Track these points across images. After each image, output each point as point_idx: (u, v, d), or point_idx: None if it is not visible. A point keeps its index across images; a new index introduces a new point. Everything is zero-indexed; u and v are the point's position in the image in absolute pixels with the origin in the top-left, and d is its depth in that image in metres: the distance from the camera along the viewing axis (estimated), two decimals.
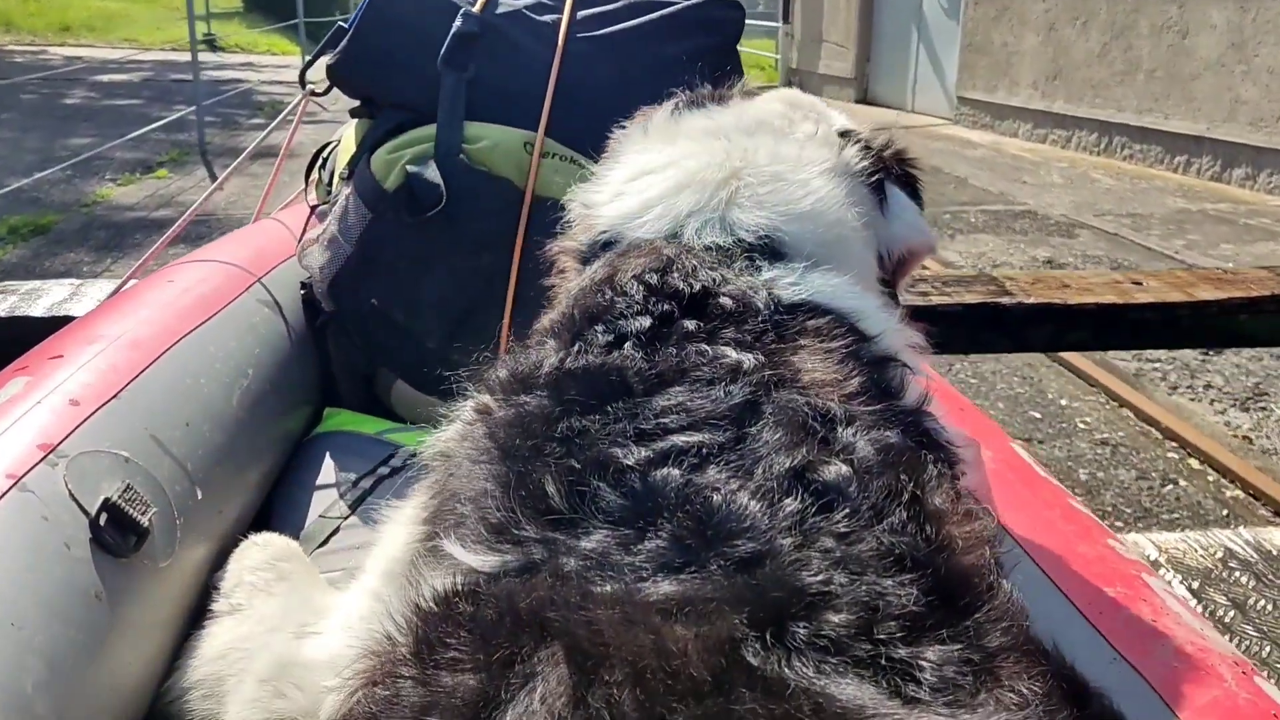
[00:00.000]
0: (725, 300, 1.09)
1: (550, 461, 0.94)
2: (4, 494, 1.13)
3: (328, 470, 1.82)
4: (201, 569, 1.40)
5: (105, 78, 15.24)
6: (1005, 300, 3.19)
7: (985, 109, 13.53)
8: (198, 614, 1.35)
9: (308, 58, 2.22)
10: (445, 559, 0.97)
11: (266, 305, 1.92)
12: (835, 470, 0.91)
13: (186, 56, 20.03)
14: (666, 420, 0.95)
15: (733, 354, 1.01)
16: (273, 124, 3.00)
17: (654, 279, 1.11)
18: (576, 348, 1.04)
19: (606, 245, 1.25)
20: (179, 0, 22.59)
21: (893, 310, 1.30)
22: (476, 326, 1.91)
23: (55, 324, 2.53)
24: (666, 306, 1.07)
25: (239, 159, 2.40)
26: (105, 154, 9.92)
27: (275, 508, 1.75)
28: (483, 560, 0.93)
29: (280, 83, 16.78)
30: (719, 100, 1.44)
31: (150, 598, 1.25)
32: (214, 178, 8.85)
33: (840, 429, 0.96)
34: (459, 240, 1.92)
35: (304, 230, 2.14)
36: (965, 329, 3.20)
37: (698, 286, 1.10)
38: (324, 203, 2.23)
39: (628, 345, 1.03)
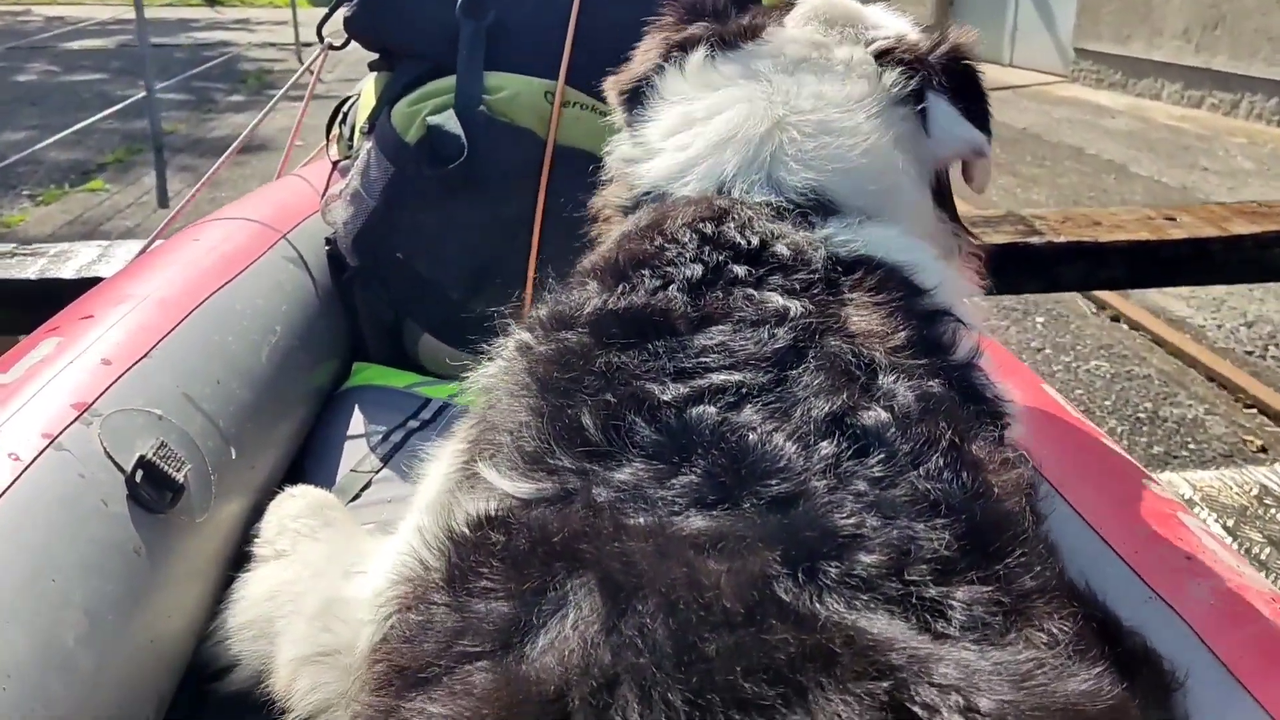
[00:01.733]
0: (781, 249, 1.09)
1: (587, 395, 0.95)
2: (40, 453, 1.14)
3: (357, 424, 1.84)
4: (237, 523, 1.42)
5: (77, 44, 13.96)
6: (1035, 240, 3.14)
7: (1115, 64, 11.07)
8: (234, 567, 1.36)
9: (325, 10, 2.20)
10: (481, 484, 0.98)
11: (292, 261, 1.92)
12: (874, 416, 0.91)
13: (181, 14, 19.50)
14: (707, 359, 0.95)
15: (779, 299, 1.02)
16: (277, 97, 2.95)
17: (709, 228, 1.11)
18: (621, 289, 1.04)
19: (650, 201, 1.25)
20: None
21: (952, 253, 1.30)
22: (500, 277, 1.90)
23: (85, 285, 2.55)
24: (721, 256, 1.07)
25: (231, 149, 2.36)
26: (35, 155, 7.87)
27: (306, 462, 1.76)
28: (517, 486, 0.94)
29: (273, 45, 15.50)
30: (752, 33, 1.38)
31: (187, 552, 1.26)
32: (164, 189, 7.38)
33: (882, 377, 0.96)
34: (481, 191, 1.91)
35: (327, 186, 2.14)
36: (994, 270, 3.16)
37: (754, 240, 1.10)
38: (346, 158, 2.22)
39: (673, 288, 1.03)
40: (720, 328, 0.98)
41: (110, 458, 1.20)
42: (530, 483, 0.94)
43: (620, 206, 1.29)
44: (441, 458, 1.15)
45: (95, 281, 2.56)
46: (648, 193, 1.25)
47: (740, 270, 1.05)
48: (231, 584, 1.32)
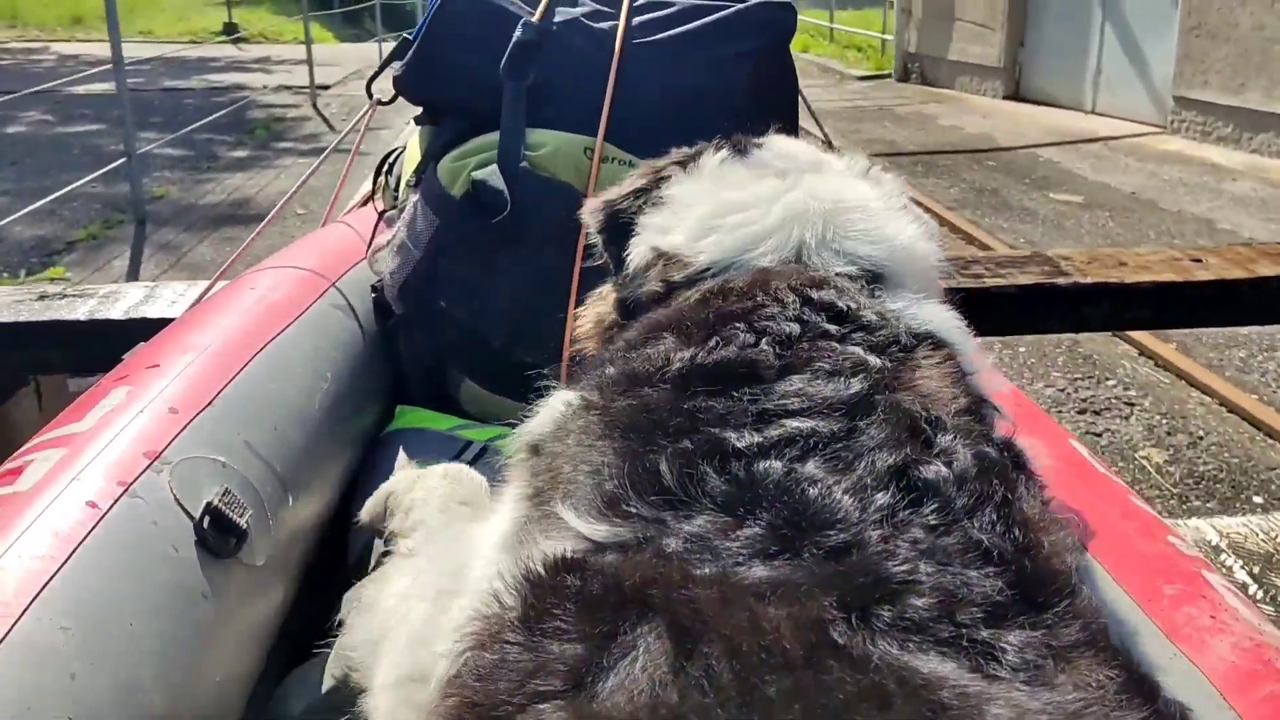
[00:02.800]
0: (869, 315, 1.16)
1: (667, 442, 1.00)
2: (116, 501, 1.19)
3: (402, 465, 1.89)
4: (294, 566, 1.47)
5: (83, 89, 12.33)
6: (1060, 280, 3.18)
7: (1225, 115, 9.66)
8: (291, 610, 1.41)
9: (375, 69, 2.29)
10: (557, 524, 1.02)
11: (340, 309, 1.98)
12: (934, 470, 0.96)
13: (202, 51, 17.96)
14: (786, 403, 1.02)
15: (861, 353, 1.09)
16: (327, 151, 3.02)
17: (810, 292, 1.17)
18: (712, 344, 1.10)
19: (712, 275, 1.29)
20: None
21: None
22: (539, 327, 1.96)
23: (132, 325, 2.64)
24: (818, 316, 1.14)
25: (266, 221, 2.41)
26: None
27: (354, 505, 1.81)
28: (594, 529, 0.99)
29: (289, 89, 14.56)
30: (751, 146, 1.47)
31: (249, 596, 1.31)
32: (135, 273, 6.65)
33: (943, 436, 1.01)
34: (523, 244, 1.97)
35: (373, 234, 2.21)
36: (1020, 310, 3.20)
37: (847, 304, 1.16)
38: (391, 208, 2.29)
39: (764, 342, 1.09)
40: (801, 375, 1.05)
41: (180, 505, 1.25)
42: (606, 526, 0.99)
43: (664, 285, 1.32)
44: (505, 499, 1.19)
45: (142, 322, 2.64)
46: (707, 268, 1.29)
47: (832, 329, 1.12)
48: (286, 627, 1.36)
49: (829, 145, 1.47)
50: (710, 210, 1.36)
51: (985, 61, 13.40)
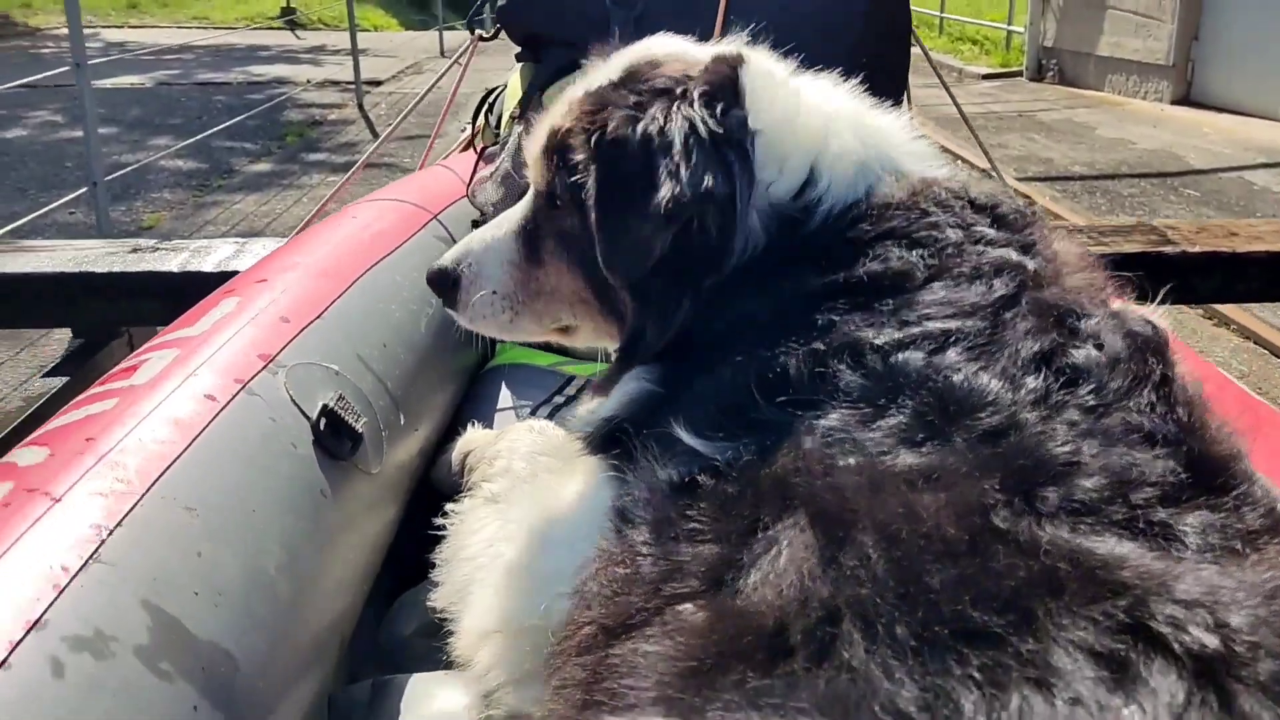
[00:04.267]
0: (1005, 210, 1.13)
1: (796, 345, 0.96)
2: (233, 397, 1.18)
3: (505, 399, 1.87)
4: (404, 480, 1.45)
5: (110, 81, 11.14)
6: (1168, 249, 3.07)
7: None
8: (404, 521, 1.39)
9: (477, 3, 2.26)
10: (675, 445, 0.98)
11: (442, 241, 1.96)
12: (1084, 354, 0.90)
13: (253, 38, 15.99)
14: (929, 310, 0.97)
15: (1012, 254, 1.04)
16: (438, 77, 3.01)
17: (971, 196, 1.13)
18: (861, 261, 1.06)
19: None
20: None
21: None
22: None
23: (223, 278, 2.66)
24: (980, 220, 1.10)
25: (353, 170, 2.38)
26: None
27: (459, 434, 1.79)
28: (713, 446, 0.95)
29: (335, 84, 12.45)
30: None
31: (364, 500, 1.30)
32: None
33: (1090, 321, 0.95)
34: None
35: (474, 171, 2.19)
36: (1124, 279, 3.09)
37: (994, 204, 1.13)
38: (490, 146, 2.27)
39: (915, 253, 1.05)
40: (944, 282, 1.00)
41: (296, 405, 1.24)
42: (728, 440, 0.94)
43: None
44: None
45: (233, 275, 2.67)
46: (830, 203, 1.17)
47: (991, 233, 1.08)
48: (395, 536, 1.34)
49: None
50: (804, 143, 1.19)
51: (1148, 58, 10.87)
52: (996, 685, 0.66)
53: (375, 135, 9.60)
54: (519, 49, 2.24)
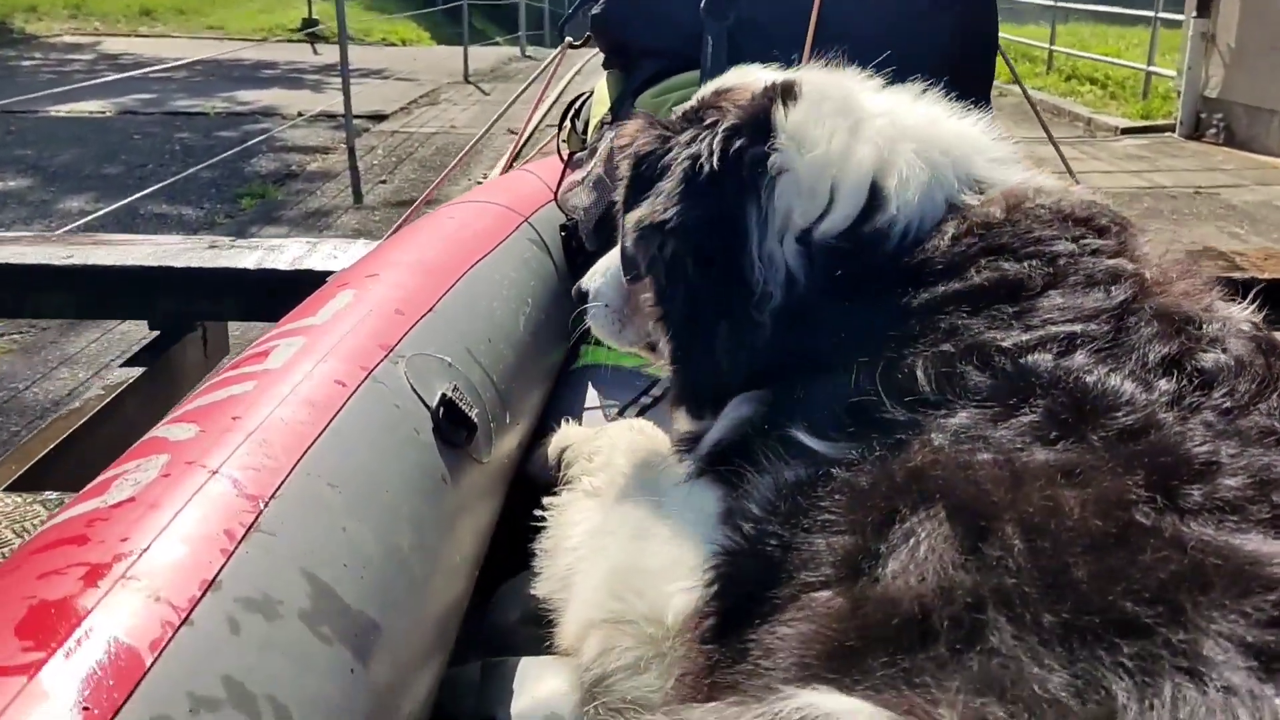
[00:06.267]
0: (1103, 220, 1.14)
1: (923, 348, 0.98)
2: (361, 383, 1.23)
3: (592, 398, 1.90)
4: (508, 471, 1.49)
5: (66, 109, 10.10)
6: (1236, 275, 3.06)
7: None
8: (509, 512, 1.43)
9: (569, 10, 2.31)
10: (797, 446, 1.01)
11: (534, 243, 2.01)
12: (1212, 358, 0.93)
13: (262, 53, 14.01)
14: (1051, 315, 0.99)
15: (1128, 265, 1.06)
16: (528, 82, 3.04)
17: (1070, 208, 1.15)
18: (971, 275, 1.08)
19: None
20: None
21: None
22: None
23: (298, 275, 2.73)
24: (1082, 232, 1.12)
25: (461, 156, 2.37)
26: None
27: (549, 431, 1.83)
28: (838, 447, 0.97)
29: (331, 119, 10.01)
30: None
31: (477, 489, 1.34)
32: None
33: (1211, 326, 0.98)
34: None
35: (561, 177, 2.23)
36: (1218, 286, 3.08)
37: (1095, 218, 1.15)
38: (578, 151, 2.31)
39: (1029, 264, 1.07)
40: (1062, 289, 1.03)
41: (417, 394, 1.28)
42: (850, 441, 0.97)
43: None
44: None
45: (307, 274, 2.73)
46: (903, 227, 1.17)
47: (1099, 243, 1.10)
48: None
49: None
50: (860, 170, 1.18)
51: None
52: (1148, 674, 0.69)
53: (358, 198, 7.88)
54: (605, 57, 2.28)
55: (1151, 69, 11.37)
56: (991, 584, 0.77)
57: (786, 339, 1.17)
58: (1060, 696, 0.69)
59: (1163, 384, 0.90)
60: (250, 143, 8.99)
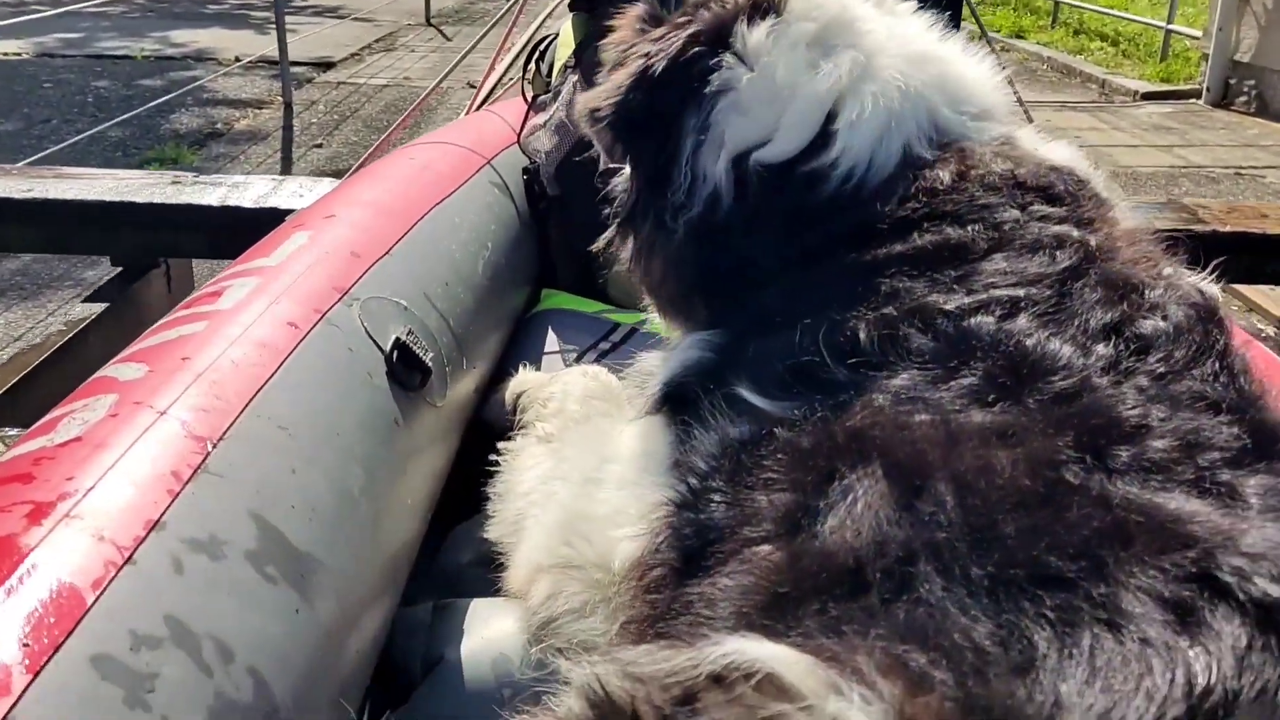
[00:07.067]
0: (1060, 186, 1.13)
1: (865, 310, 0.99)
2: (314, 326, 1.23)
3: (551, 343, 1.91)
4: (463, 415, 1.50)
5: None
6: (1198, 228, 3.09)
7: None
8: (463, 455, 1.44)
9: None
10: (741, 404, 1.02)
11: (496, 186, 2.00)
12: (1151, 324, 0.94)
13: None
14: (994, 279, 1.00)
15: (1074, 232, 1.06)
16: (486, 29, 3.01)
17: (1020, 173, 1.14)
18: (916, 237, 1.08)
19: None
20: None
21: None
22: None
23: (261, 214, 2.71)
24: (1031, 198, 1.12)
25: (414, 106, 2.35)
26: None
27: (506, 376, 1.84)
28: (781, 405, 0.99)
29: (268, 64, 8.62)
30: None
31: (431, 432, 1.35)
32: None
33: (1154, 292, 0.99)
34: None
35: (524, 120, 2.21)
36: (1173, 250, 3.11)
37: (1046, 181, 1.14)
38: (541, 94, 2.29)
39: (973, 228, 1.07)
40: (1006, 253, 1.03)
41: (370, 337, 1.28)
42: (794, 400, 0.98)
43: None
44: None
45: (270, 211, 2.71)
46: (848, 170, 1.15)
47: (1047, 209, 1.10)
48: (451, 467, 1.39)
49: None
50: (810, 102, 1.16)
51: None
52: (1068, 624, 0.71)
53: (286, 167, 6.61)
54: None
55: (1174, 28, 10.04)
56: (923, 538, 0.79)
57: (702, 256, 1.18)
58: (983, 645, 0.72)
59: (1100, 349, 0.92)
60: (174, 94, 7.85)
